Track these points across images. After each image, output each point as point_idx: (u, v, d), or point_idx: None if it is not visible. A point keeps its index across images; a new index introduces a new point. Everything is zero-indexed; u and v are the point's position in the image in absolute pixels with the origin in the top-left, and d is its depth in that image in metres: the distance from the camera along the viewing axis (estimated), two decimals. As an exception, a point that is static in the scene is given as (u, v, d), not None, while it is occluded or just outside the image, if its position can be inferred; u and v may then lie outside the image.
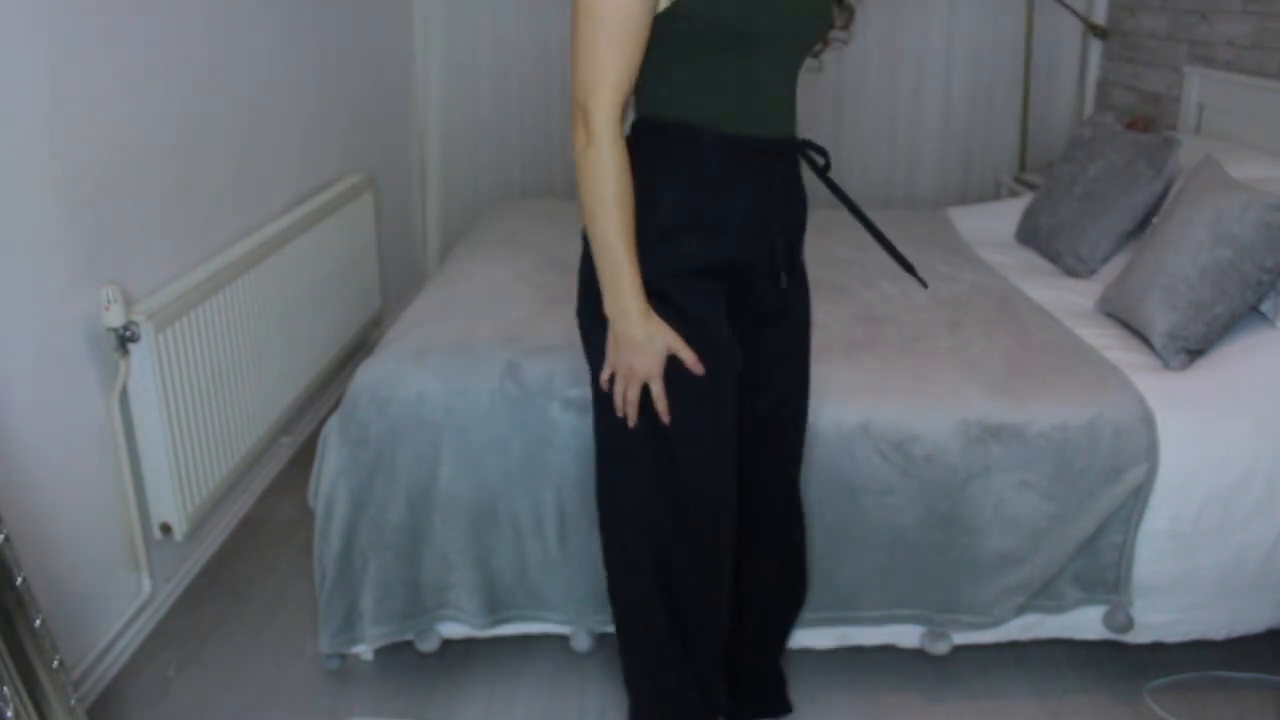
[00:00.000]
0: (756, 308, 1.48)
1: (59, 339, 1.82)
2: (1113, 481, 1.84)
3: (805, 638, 1.96)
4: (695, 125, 1.35)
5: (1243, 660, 2.06)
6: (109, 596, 2.00)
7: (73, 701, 1.48)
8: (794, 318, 1.59)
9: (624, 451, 1.47)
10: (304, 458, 2.75)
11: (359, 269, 3.10)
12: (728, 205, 1.38)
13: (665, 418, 1.39)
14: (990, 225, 3.04)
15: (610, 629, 1.96)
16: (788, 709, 1.89)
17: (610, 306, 1.36)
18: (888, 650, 2.02)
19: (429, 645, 1.95)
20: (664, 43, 1.30)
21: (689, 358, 1.37)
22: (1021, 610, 1.92)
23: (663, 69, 1.32)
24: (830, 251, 2.70)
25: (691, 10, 1.27)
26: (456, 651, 2.05)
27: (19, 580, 1.41)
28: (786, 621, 1.87)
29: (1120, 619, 1.91)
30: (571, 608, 1.93)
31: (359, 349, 3.17)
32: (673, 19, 1.27)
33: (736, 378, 1.45)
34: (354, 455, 1.86)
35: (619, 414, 1.41)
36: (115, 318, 1.90)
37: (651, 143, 1.37)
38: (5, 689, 1.36)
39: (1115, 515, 1.86)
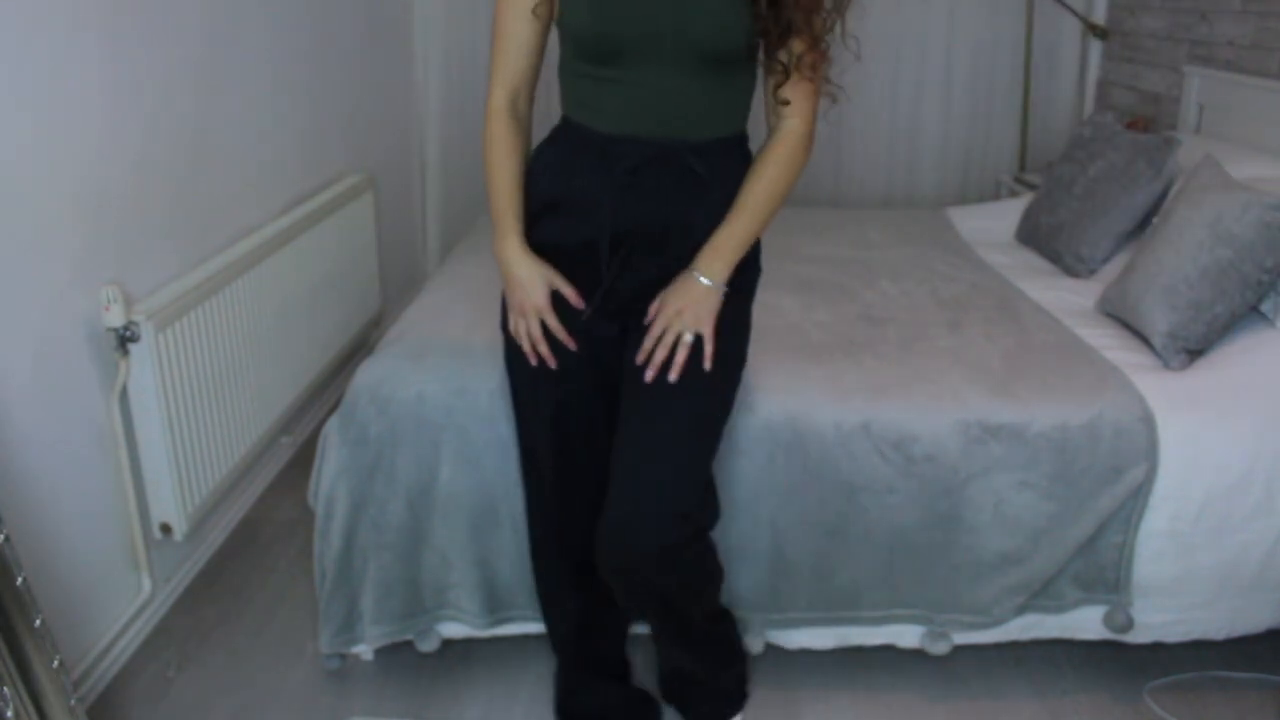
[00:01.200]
0: (616, 297, 1.57)
1: (59, 339, 1.82)
2: (1113, 481, 1.84)
3: (805, 638, 1.96)
4: (568, 118, 1.56)
5: (1243, 660, 2.06)
6: (109, 596, 2.00)
7: (73, 701, 1.48)
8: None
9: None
10: (304, 458, 2.75)
11: (359, 269, 3.10)
12: (561, 190, 1.55)
13: (570, 343, 1.57)
14: (990, 225, 3.04)
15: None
16: (740, 701, 1.88)
17: (496, 250, 1.57)
18: (888, 650, 2.02)
19: (429, 645, 1.95)
20: (560, 46, 1.53)
21: (568, 292, 1.55)
22: (1021, 610, 1.92)
23: (561, 68, 1.55)
24: (831, 251, 2.71)
25: (560, 21, 1.49)
26: (456, 651, 2.05)
27: (19, 580, 1.41)
28: (668, 648, 1.83)
29: (1120, 619, 1.91)
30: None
31: (359, 349, 3.17)
32: (558, 27, 1.51)
33: (562, 361, 1.58)
34: (354, 455, 1.86)
35: (530, 357, 1.58)
36: (115, 318, 1.90)
37: (551, 132, 1.59)
38: (5, 689, 1.36)
39: (1115, 515, 1.86)
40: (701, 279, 1.51)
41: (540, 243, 1.56)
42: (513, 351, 1.62)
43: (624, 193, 1.50)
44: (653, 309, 1.54)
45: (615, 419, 1.59)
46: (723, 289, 1.52)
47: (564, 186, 1.54)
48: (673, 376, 1.51)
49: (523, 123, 1.58)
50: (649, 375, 1.52)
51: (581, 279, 1.56)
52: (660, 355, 1.51)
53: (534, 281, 1.54)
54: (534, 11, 1.49)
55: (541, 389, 1.62)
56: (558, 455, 1.66)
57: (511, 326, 1.59)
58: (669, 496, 1.52)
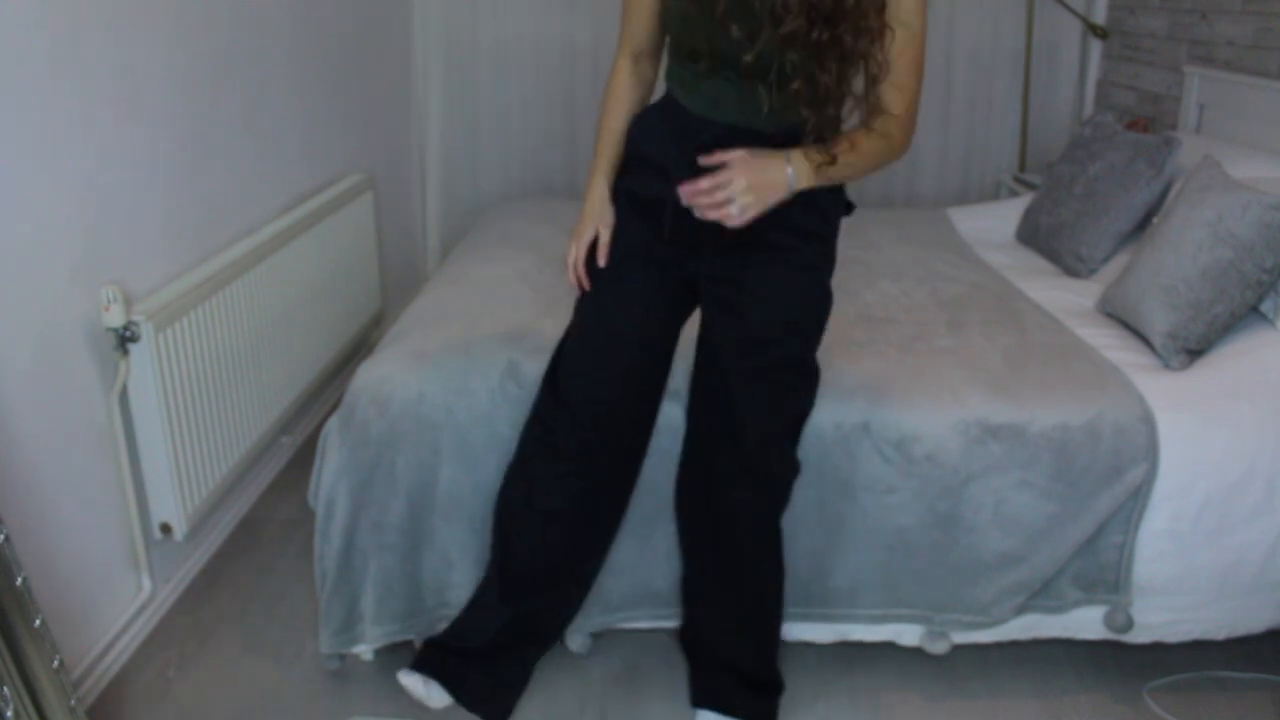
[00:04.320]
0: (688, 244, 1.66)
1: (59, 339, 1.82)
2: (1113, 481, 1.84)
3: (804, 633, 1.96)
4: (669, 91, 1.68)
5: (1243, 660, 2.06)
6: (109, 596, 2.00)
7: (73, 701, 1.48)
8: (749, 285, 1.65)
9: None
10: (304, 458, 2.75)
11: (359, 269, 3.10)
12: (644, 150, 1.69)
13: (580, 284, 1.74)
14: (990, 225, 3.05)
15: (608, 628, 1.97)
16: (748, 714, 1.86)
17: (587, 181, 1.75)
18: (887, 649, 2.02)
19: (429, 645, 1.95)
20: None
21: (602, 244, 1.71)
22: (1021, 610, 1.92)
23: (668, 46, 1.68)
24: (830, 251, 2.70)
25: (664, 8, 1.62)
26: (456, 651, 2.05)
27: (19, 580, 1.41)
28: (723, 601, 1.83)
29: (1120, 619, 1.91)
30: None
31: (359, 349, 3.17)
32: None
33: (628, 299, 1.71)
34: (354, 455, 1.86)
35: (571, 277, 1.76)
36: (115, 318, 1.90)
37: (658, 100, 1.72)
38: (5, 689, 1.36)
39: (1115, 515, 1.86)
40: (788, 167, 1.54)
41: (624, 190, 1.71)
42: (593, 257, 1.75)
43: (693, 166, 1.58)
44: (723, 156, 1.54)
45: (668, 343, 1.76)
46: (791, 191, 1.55)
47: (647, 148, 1.68)
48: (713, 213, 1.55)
49: (643, 82, 1.73)
50: (683, 192, 1.56)
51: (651, 227, 1.68)
52: (702, 201, 1.54)
53: (589, 219, 1.72)
54: None
55: (610, 287, 1.73)
56: (605, 339, 1.73)
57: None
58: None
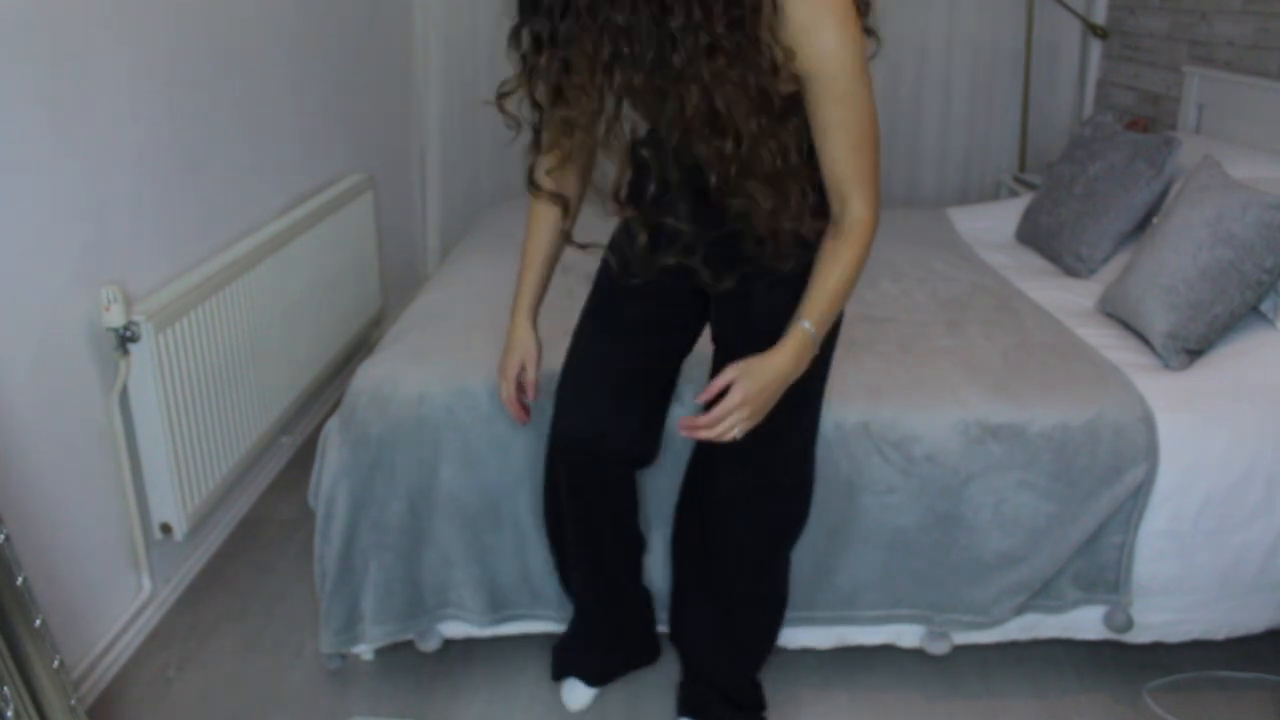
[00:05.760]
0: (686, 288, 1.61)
1: (59, 339, 1.82)
2: (1113, 481, 1.84)
3: (805, 637, 1.96)
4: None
5: (1243, 660, 2.06)
6: (109, 596, 2.00)
7: (73, 701, 1.48)
8: (733, 329, 1.61)
9: None
10: (304, 458, 2.75)
11: (359, 269, 3.10)
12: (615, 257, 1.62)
13: (521, 419, 1.72)
14: (990, 225, 3.05)
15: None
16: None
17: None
18: (888, 650, 2.02)
19: (430, 644, 1.95)
20: None
21: (528, 380, 1.68)
22: (1021, 610, 1.92)
23: None
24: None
25: None
26: (456, 651, 2.05)
27: (19, 580, 1.41)
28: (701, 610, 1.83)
29: (1120, 619, 1.91)
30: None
31: (359, 349, 3.18)
32: None
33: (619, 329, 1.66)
34: (354, 455, 1.86)
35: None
36: (115, 318, 1.90)
37: None
38: (5, 689, 1.36)
39: (1115, 515, 1.86)
40: (787, 360, 1.43)
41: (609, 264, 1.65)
42: (601, 273, 1.69)
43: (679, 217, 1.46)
44: (722, 380, 1.43)
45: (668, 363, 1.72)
46: (798, 374, 1.46)
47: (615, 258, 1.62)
48: (714, 437, 1.44)
49: (567, 196, 1.56)
50: (683, 430, 1.46)
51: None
52: (703, 435, 1.44)
53: (513, 352, 1.69)
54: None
55: (611, 309, 1.68)
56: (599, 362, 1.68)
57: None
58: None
